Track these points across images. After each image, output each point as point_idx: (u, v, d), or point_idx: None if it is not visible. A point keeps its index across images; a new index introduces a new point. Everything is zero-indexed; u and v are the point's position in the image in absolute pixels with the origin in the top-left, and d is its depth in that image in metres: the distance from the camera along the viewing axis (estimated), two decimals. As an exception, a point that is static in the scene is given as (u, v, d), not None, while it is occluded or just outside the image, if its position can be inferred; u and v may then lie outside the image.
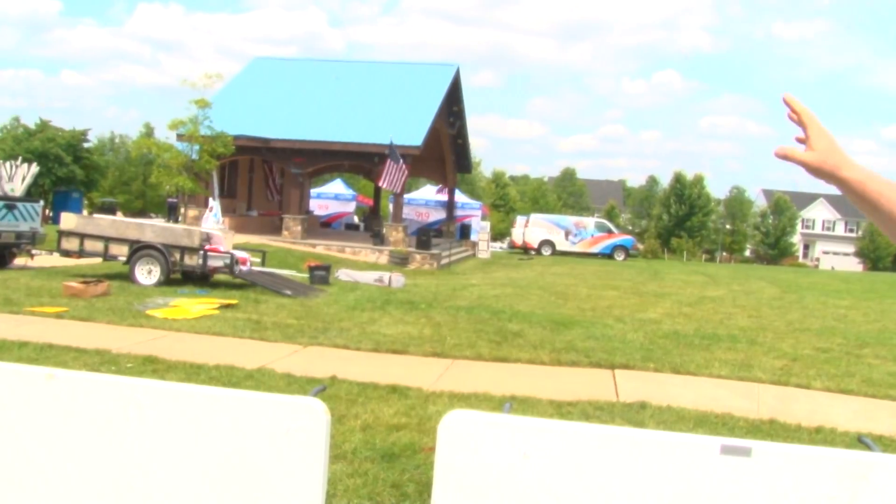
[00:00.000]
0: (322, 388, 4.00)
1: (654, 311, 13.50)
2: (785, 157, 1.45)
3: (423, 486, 3.97)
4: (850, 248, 72.20)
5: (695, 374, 7.91)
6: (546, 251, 37.32)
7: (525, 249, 37.84)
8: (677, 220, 62.62)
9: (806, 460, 2.59)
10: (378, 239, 25.08)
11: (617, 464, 2.50)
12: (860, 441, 3.34)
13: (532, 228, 38.19)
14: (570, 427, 2.84)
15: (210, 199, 21.66)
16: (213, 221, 18.72)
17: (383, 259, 23.30)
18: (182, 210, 26.27)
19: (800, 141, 1.48)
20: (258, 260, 15.49)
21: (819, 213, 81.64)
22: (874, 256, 66.90)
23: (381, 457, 4.59)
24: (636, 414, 6.07)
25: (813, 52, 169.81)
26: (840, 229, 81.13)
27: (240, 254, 14.15)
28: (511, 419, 2.82)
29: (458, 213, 35.59)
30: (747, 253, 68.45)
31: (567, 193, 74.14)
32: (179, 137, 23.81)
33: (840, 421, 6.25)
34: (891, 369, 8.92)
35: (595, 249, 37.51)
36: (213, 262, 13.25)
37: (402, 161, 23.42)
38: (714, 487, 2.45)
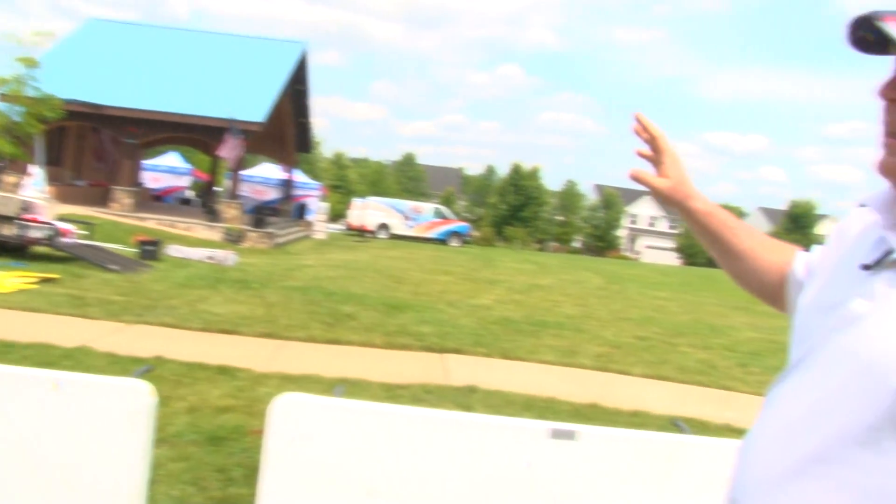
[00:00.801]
0: (147, 368, 3.83)
1: (486, 298, 13.80)
2: (638, 180, 1.49)
3: (251, 469, 3.88)
4: (671, 244, 76.56)
5: (523, 360, 8.14)
6: (382, 234, 37.43)
7: (361, 232, 37.79)
8: (512, 210, 64.32)
9: (626, 442, 2.72)
10: (212, 215, 24.32)
11: (451, 447, 2.53)
12: (673, 424, 3.55)
13: (369, 211, 38.19)
14: (404, 411, 2.85)
15: (31, 166, 20.29)
16: (33, 189, 17.54)
17: (217, 236, 22.63)
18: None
19: (643, 157, 1.52)
20: (85, 233, 14.67)
21: (644, 210, 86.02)
22: (691, 252, 71.18)
23: (207, 440, 4.45)
24: (466, 397, 6.18)
25: (648, 59, 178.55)
26: (663, 226, 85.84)
27: (63, 225, 13.34)
28: (343, 402, 2.80)
29: (297, 192, 35.07)
30: (577, 244, 71.19)
31: (406, 178, 74.48)
32: (1, 98, 22.15)
33: (655, 405, 6.61)
34: (701, 357, 9.53)
35: (431, 235, 37.95)
36: (31, 233, 12.41)
37: (242, 137, 22.80)
38: (544, 468, 2.53)
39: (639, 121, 1.51)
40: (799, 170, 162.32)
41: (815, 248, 1.39)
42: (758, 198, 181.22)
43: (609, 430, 2.77)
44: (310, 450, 2.55)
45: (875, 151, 1.07)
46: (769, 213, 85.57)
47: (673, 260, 68.37)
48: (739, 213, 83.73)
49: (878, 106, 1.06)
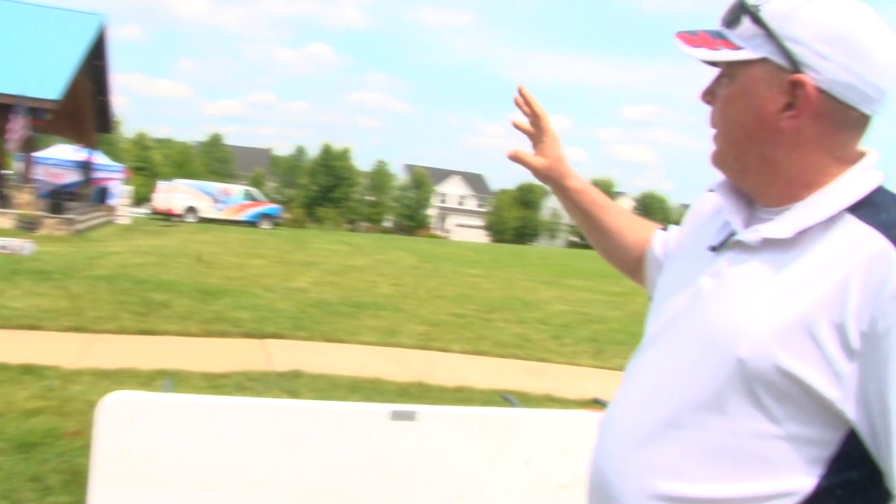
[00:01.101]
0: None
1: (302, 280, 13.64)
2: (516, 160, 1.54)
3: (71, 475, 3.65)
4: (480, 222, 78.74)
5: (345, 342, 8.13)
6: (190, 218, 36.08)
7: (168, 216, 36.26)
8: (323, 191, 63.88)
9: (463, 419, 2.78)
10: (3, 201, 22.53)
11: (291, 435, 2.50)
12: (503, 398, 3.67)
13: (176, 194, 36.67)
14: (241, 402, 2.78)
15: None
16: None
17: (9, 224, 21.01)
18: None
19: (519, 129, 1.56)
20: None
21: (453, 189, 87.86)
22: (499, 230, 73.61)
23: (17, 447, 4.10)
24: (291, 383, 6.10)
25: (457, 41, 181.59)
26: (471, 204, 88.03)
27: None
28: (175, 398, 2.69)
29: (97, 175, 33.07)
30: (388, 224, 71.75)
31: (214, 159, 72.11)
32: None
33: (477, 380, 6.80)
34: (516, 331, 9.89)
35: (241, 217, 36.97)
36: None
37: (30, 115, 21.20)
38: (387, 450, 2.54)
39: (521, 93, 1.55)
40: (599, 150, 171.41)
41: (672, 228, 1.49)
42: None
43: (447, 409, 2.82)
44: (142, 450, 2.44)
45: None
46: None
47: (482, 237, 70.38)
48: (544, 191, 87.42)
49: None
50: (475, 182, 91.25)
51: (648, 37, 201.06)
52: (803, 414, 1.00)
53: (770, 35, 1.06)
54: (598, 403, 3.76)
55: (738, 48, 1.09)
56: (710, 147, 1.19)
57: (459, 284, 15.68)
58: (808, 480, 1.01)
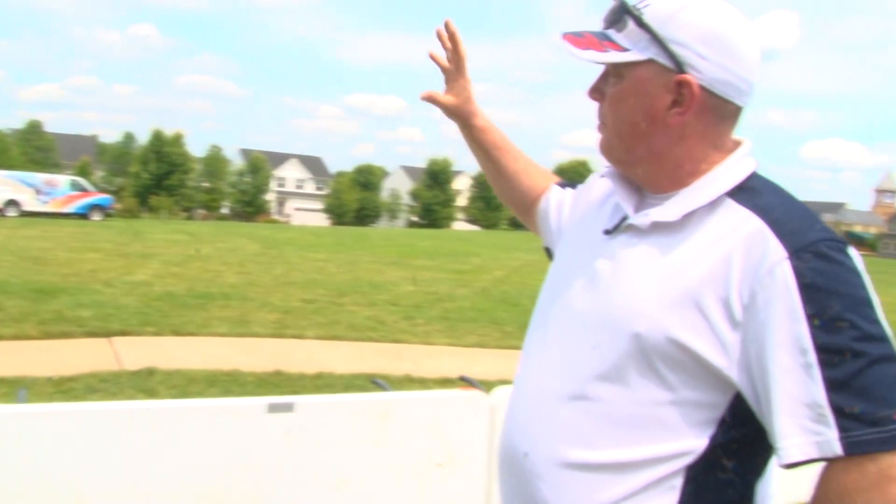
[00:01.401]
0: None
1: (143, 273, 13.13)
2: (429, 100, 1.65)
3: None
4: (319, 205, 77.95)
5: (196, 335, 7.94)
6: (11, 212, 33.83)
7: (-16, 211, 33.87)
8: (156, 179, 61.30)
9: (340, 407, 2.82)
10: None
11: (166, 437, 2.45)
12: (373, 383, 3.70)
13: (-6, 188, 34.29)
14: (110, 407, 2.70)
15: None
16: None
17: None
18: None
19: (435, 61, 1.65)
20: None
21: (291, 172, 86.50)
22: (340, 212, 73.11)
23: None
24: (145, 381, 5.91)
25: (290, 21, 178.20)
26: (310, 187, 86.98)
27: None
28: (37, 408, 2.58)
29: None
30: (225, 210, 69.83)
31: (33, 148, 67.65)
32: None
33: (335, 365, 6.82)
34: (367, 314, 9.94)
35: (69, 209, 34.98)
36: None
37: None
38: (266, 442, 2.54)
39: (447, 27, 1.62)
40: (434, 129, 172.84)
41: (568, 190, 1.60)
42: (399, 157, 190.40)
43: (324, 398, 2.85)
44: (5, 466, 2.32)
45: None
46: (410, 170, 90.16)
47: (322, 221, 69.76)
48: (383, 172, 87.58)
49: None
50: (313, 165, 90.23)
51: (476, 14, 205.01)
52: (695, 380, 1.10)
53: (655, 38, 1.15)
54: (464, 381, 3.86)
55: (625, 50, 1.18)
56: (597, 138, 1.28)
57: (306, 269, 15.55)
58: (700, 441, 1.11)
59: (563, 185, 1.63)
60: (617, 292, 1.17)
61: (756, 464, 1.15)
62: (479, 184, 74.15)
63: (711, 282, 1.09)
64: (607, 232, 1.26)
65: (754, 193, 1.16)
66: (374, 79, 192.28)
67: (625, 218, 1.24)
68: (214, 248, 20.06)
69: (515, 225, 77.54)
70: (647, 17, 1.16)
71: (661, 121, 1.18)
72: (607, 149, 1.27)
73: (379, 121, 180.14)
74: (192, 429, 2.48)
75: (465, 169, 79.75)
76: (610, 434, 1.14)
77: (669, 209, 1.17)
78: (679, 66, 1.15)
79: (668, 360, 1.10)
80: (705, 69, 1.14)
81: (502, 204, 1.80)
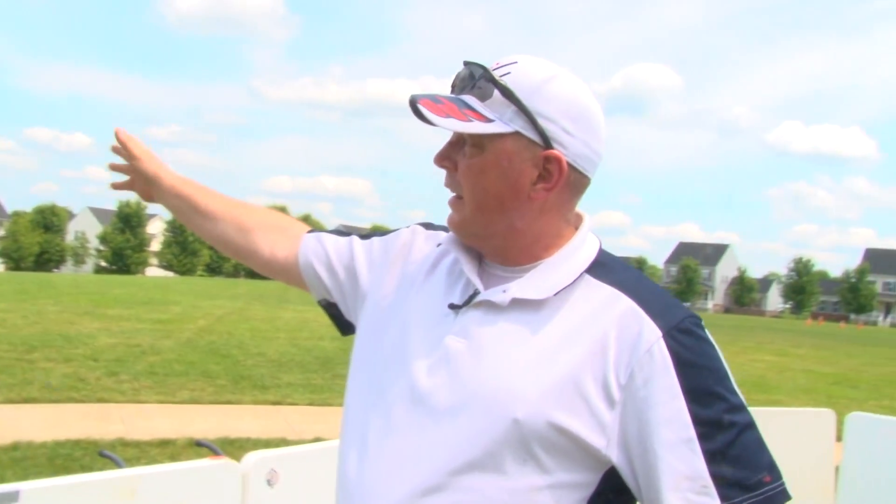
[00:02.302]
0: None
1: None
2: (121, 188, 1.68)
3: None
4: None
5: None
6: None
7: None
8: None
9: (73, 490, 2.48)
10: None
11: None
12: (102, 455, 3.32)
13: None
14: None
15: None
16: None
17: None
18: None
19: (118, 170, 1.67)
20: None
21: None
22: (17, 256, 66.66)
23: None
24: None
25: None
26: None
27: None
28: None
29: None
30: None
31: None
32: None
33: (34, 432, 6.10)
34: (65, 371, 9.06)
35: None
36: None
37: None
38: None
39: (119, 139, 1.61)
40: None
41: (356, 242, 1.42)
42: (85, 197, 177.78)
43: (57, 481, 2.49)
44: None
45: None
46: (98, 212, 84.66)
47: (-4, 266, 63.19)
48: (68, 214, 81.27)
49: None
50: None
51: (173, 54, 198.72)
52: (570, 462, 1.08)
53: (522, 110, 1.12)
54: (203, 447, 3.60)
55: (489, 121, 1.12)
56: (449, 212, 1.22)
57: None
58: None
59: (341, 234, 1.45)
60: (485, 375, 1.10)
61: None
62: (174, 228, 71.32)
63: (589, 362, 1.08)
64: (453, 306, 1.19)
65: (607, 269, 1.16)
66: (58, 112, 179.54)
67: (476, 293, 1.17)
68: None
69: (212, 271, 75.22)
70: (514, 87, 1.12)
71: (525, 196, 1.14)
72: (461, 223, 1.20)
73: (63, 157, 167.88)
74: None
75: (159, 212, 76.34)
76: None
77: (534, 286, 1.14)
78: (546, 142, 1.12)
79: (547, 445, 1.07)
80: (570, 145, 1.13)
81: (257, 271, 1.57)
